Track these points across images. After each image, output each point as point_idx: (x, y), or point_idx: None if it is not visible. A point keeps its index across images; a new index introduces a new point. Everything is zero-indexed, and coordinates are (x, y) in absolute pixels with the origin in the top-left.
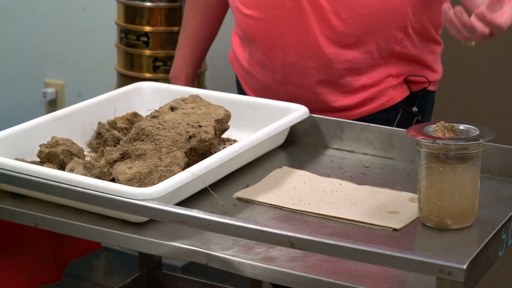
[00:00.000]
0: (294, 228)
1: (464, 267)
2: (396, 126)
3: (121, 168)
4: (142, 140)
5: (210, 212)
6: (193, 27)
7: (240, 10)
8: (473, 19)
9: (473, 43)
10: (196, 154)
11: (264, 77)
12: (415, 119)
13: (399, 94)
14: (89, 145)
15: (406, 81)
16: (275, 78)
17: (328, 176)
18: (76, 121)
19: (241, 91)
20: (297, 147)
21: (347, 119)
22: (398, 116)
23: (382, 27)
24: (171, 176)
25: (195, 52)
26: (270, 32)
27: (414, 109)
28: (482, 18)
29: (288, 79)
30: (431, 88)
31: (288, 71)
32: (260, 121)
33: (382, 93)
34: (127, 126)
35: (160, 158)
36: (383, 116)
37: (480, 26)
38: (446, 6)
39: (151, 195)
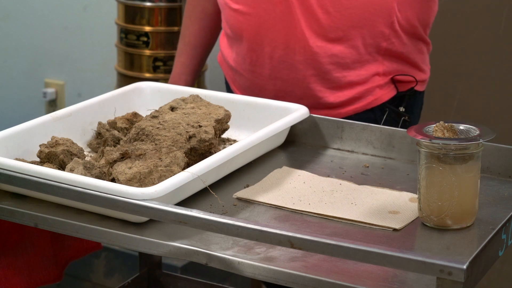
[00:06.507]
0: (294, 228)
1: (464, 267)
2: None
3: (121, 168)
4: (142, 140)
5: (210, 212)
6: (191, 35)
7: (228, 6)
8: None
9: None
10: (196, 154)
11: (251, 74)
12: (402, 119)
13: (386, 94)
14: (89, 145)
15: (393, 81)
16: (263, 74)
17: (328, 176)
18: (76, 121)
19: (229, 92)
20: (297, 147)
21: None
22: (385, 116)
23: (368, 22)
24: (171, 176)
25: (194, 59)
26: (258, 26)
27: (401, 109)
28: None
29: (276, 74)
30: (419, 88)
31: (276, 65)
32: (260, 121)
33: (369, 92)
34: (127, 126)
35: (160, 158)
36: (370, 116)
37: None
38: None
39: (151, 195)
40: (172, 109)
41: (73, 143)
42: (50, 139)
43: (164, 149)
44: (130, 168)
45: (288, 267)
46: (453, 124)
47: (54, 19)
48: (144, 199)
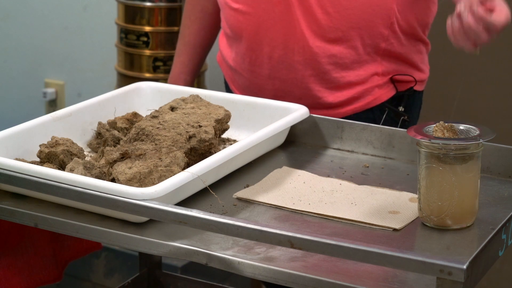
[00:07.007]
0: (294, 228)
1: (464, 267)
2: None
3: (121, 168)
4: (142, 140)
5: (210, 212)
6: (191, 35)
7: (228, 5)
8: (471, 22)
9: (478, 52)
10: (196, 154)
11: (250, 74)
12: (401, 118)
13: (385, 93)
14: (89, 145)
15: (392, 81)
16: (262, 73)
17: (328, 176)
18: (76, 121)
19: (229, 92)
20: (297, 147)
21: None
22: (384, 116)
23: (367, 23)
24: (171, 176)
25: (193, 59)
26: (258, 26)
27: (401, 108)
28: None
29: (275, 74)
30: (418, 88)
31: (275, 65)
32: (260, 121)
33: (368, 92)
34: (127, 126)
35: (160, 158)
36: (369, 116)
37: (479, 29)
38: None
39: (151, 195)
40: (172, 109)
41: (73, 143)
42: (50, 139)
43: (164, 149)
44: (130, 168)
45: (288, 267)
46: (453, 124)
47: (54, 19)
48: (144, 199)
